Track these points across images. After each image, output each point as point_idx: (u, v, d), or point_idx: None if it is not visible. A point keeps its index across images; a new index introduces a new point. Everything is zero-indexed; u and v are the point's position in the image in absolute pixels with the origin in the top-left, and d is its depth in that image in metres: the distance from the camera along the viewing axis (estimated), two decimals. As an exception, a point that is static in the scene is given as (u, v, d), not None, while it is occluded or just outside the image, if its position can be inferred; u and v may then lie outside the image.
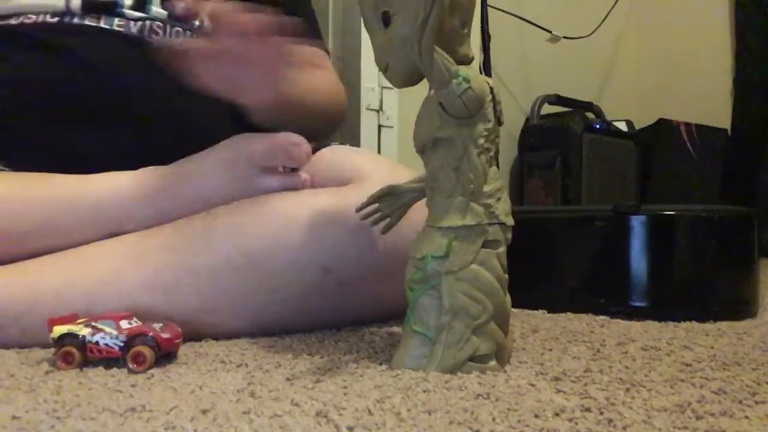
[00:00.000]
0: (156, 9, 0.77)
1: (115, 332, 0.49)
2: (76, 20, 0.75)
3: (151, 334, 0.49)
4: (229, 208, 0.62)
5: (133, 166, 0.65)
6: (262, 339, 0.61)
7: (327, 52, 0.91)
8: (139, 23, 0.76)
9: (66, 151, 0.68)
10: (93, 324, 0.49)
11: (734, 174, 2.05)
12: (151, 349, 0.48)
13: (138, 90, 0.72)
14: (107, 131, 0.69)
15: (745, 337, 0.62)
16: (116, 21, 0.75)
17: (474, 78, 0.46)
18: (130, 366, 0.48)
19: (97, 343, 0.49)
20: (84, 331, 0.49)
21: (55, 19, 0.75)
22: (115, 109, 0.71)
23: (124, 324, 0.49)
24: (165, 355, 0.50)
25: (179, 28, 0.78)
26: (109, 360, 0.49)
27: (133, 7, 0.76)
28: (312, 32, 0.87)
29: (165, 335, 0.49)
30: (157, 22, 0.76)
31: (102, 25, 0.75)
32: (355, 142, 1.49)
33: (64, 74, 0.70)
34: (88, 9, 0.75)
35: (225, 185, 0.64)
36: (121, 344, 0.48)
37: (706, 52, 2.21)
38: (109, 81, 0.71)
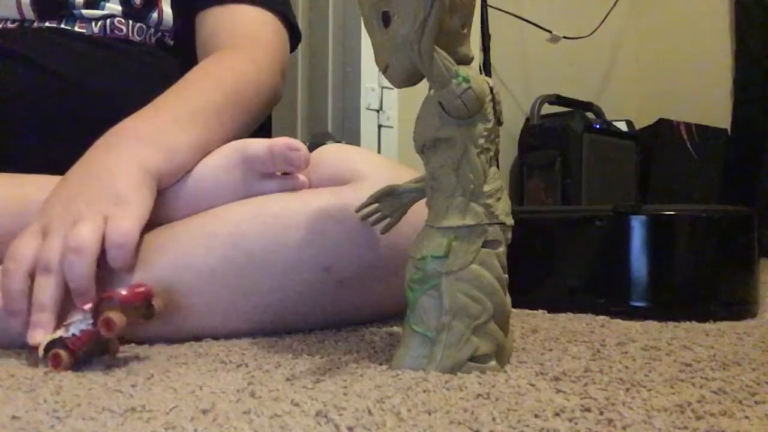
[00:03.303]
0: (110, 5, 0.77)
1: (81, 316, 0.49)
2: (36, 25, 0.75)
3: (113, 297, 0.48)
4: (228, 207, 0.62)
5: None
6: (262, 339, 0.61)
7: (286, 23, 0.83)
8: (100, 22, 0.76)
9: (45, 156, 0.68)
10: (65, 324, 0.49)
11: (734, 174, 2.05)
12: (117, 311, 0.47)
13: (107, 93, 0.72)
14: (81, 134, 0.68)
15: (745, 337, 0.62)
16: (77, 23, 0.75)
17: (474, 78, 0.46)
18: (104, 333, 0.47)
19: (74, 335, 0.48)
20: (59, 333, 0.49)
21: (15, 25, 0.75)
22: (86, 112, 0.70)
23: (87, 306, 0.49)
24: (146, 316, 0.50)
25: (141, 24, 0.78)
26: (98, 342, 0.49)
27: (87, 5, 0.76)
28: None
29: (124, 292, 0.49)
30: (118, 18, 0.77)
31: (63, 26, 0.75)
32: (355, 142, 1.49)
33: (30, 81, 0.70)
34: (41, 12, 0.75)
35: (223, 190, 0.64)
36: (91, 321, 0.48)
37: (706, 52, 2.21)
38: (76, 84, 0.71)
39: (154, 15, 0.80)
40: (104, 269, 0.54)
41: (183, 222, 0.62)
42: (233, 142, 0.66)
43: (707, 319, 0.72)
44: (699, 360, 0.51)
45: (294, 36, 0.86)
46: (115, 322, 0.47)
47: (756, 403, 0.40)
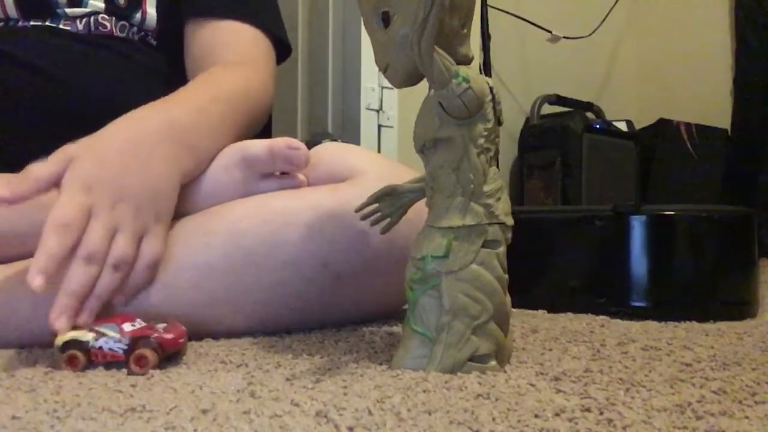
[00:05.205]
0: (93, 2, 0.77)
1: (117, 336, 0.49)
2: (21, 24, 0.75)
3: (154, 336, 0.48)
4: (228, 205, 0.62)
5: None
6: (262, 339, 0.61)
7: (275, 39, 0.84)
8: (84, 20, 0.76)
9: (31, 156, 0.68)
10: (96, 329, 0.49)
11: (734, 174, 2.05)
12: (153, 351, 0.48)
13: (94, 89, 0.72)
14: (67, 134, 0.69)
15: (745, 337, 0.62)
16: (62, 21, 0.76)
17: (474, 78, 0.46)
18: (132, 368, 0.47)
19: (101, 348, 0.49)
20: (87, 337, 0.49)
21: (0, 24, 0.75)
22: (76, 109, 0.70)
23: (126, 327, 0.49)
24: (169, 357, 0.50)
25: (125, 23, 0.78)
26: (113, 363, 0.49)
27: (70, 3, 0.76)
28: (262, 16, 0.83)
29: (168, 336, 0.49)
30: (102, 15, 0.77)
31: (48, 24, 0.75)
32: (355, 142, 1.49)
33: (17, 79, 0.70)
34: (24, 11, 0.75)
35: (223, 189, 0.64)
36: (125, 347, 0.48)
37: (706, 52, 2.21)
38: (63, 81, 0.71)
39: (138, 15, 0.80)
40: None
41: (183, 220, 0.62)
42: (233, 143, 0.66)
43: (707, 319, 0.72)
44: (699, 360, 0.51)
45: (283, 50, 0.87)
46: (149, 361, 0.48)
47: (756, 403, 0.40)
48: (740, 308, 0.75)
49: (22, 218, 0.61)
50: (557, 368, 0.48)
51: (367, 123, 1.53)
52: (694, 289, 0.76)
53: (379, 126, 1.55)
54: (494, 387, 0.42)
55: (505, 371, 0.47)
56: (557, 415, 0.37)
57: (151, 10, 0.81)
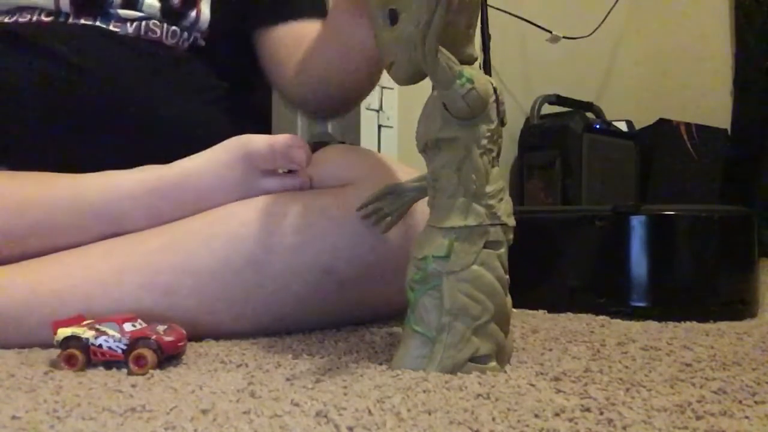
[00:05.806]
0: (149, 2, 0.77)
1: (118, 335, 0.49)
2: (70, 20, 0.75)
3: (153, 337, 0.48)
4: (229, 208, 0.62)
5: (129, 167, 0.65)
6: (262, 339, 0.61)
7: None
8: (135, 23, 0.76)
9: (60, 153, 0.68)
10: (97, 327, 0.49)
11: (734, 174, 2.05)
12: (153, 352, 0.48)
13: (133, 91, 0.72)
14: (102, 133, 0.68)
15: (745, 337, 0.62)
16: (112, 22, 0.75)
17: (478, 78, 0.46)
18: (131, 368, 0.47)
19: (100, 346, 0.49)
20: (87, 334, 0.49)
21: (50, 19, 0.75)
22: (108, 111, 0.70)
23: (127, 327, 0.49)
24: (169, 358, 0.50)
25: (176, 28, 0.78)
26: (112, 362, 0.49)
27: (124, 5, 0.76)
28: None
29: (168, 338, 0.49)
30: (153, 21, 0.76)
31: (98, 24, 0.75)
32: (355, 142, 1.49)
33: (55, 76, 0.70)
34: (77, 8, 0.75)
35: (224, 186, 0.63)
36: (124, 347, 0.48)
37: (706, 52, 2.21)
38: (101, 83, 0.71)
39: (192, 14, 0.79)
40: None
41: (184, 223, 0.62)
42: (234, 138, 0.65)
43: (707, 319, 0.72)
44: (699, 360, 0.51)
45: None
46: (148, 361, 0.48)
47: (756, 403, 0.40)
48: (740, 308, 0.76)
49: (22, 218, 0.61)
50: (557, 368, 0.48)
51: (367, 123, 1.53)
52: (694, 289, 0.76)
53: (379, 126, 1.55)
54: (494, 387, 0.42)
55: (505, 371, 0.47)
56: (557, 415, 0.37)
57: (206, 9, 0.80)
